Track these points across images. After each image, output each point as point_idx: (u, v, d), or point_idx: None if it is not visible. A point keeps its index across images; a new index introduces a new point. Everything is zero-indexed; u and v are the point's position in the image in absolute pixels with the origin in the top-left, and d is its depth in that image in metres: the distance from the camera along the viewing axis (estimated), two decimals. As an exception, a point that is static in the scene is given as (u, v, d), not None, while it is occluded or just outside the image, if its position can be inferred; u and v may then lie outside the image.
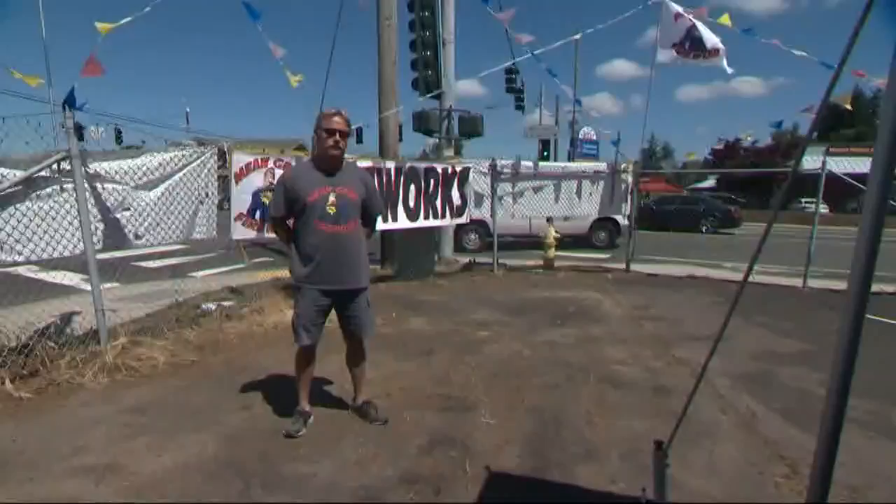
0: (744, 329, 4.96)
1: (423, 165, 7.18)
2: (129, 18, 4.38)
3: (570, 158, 23.92)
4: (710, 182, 40.15)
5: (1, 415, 3.02)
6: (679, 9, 7.41)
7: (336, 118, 2.71)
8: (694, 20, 7.38)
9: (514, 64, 14.04)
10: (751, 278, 1.52)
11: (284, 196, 2.75)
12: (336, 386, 3.48)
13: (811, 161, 7.42)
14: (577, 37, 8.47)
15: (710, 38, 7.38)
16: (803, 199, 27.54)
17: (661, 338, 4.76)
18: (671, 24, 7.53)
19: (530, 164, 8.40)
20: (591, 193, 8.62)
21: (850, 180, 6.86)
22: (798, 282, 7.13)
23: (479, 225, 10.48)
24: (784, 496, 2.31)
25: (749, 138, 29.80)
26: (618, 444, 2.76)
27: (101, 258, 4.22)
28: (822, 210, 8.54)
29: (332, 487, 2.34)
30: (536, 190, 8.34)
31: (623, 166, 8.67)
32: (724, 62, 7.47)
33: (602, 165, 8.93)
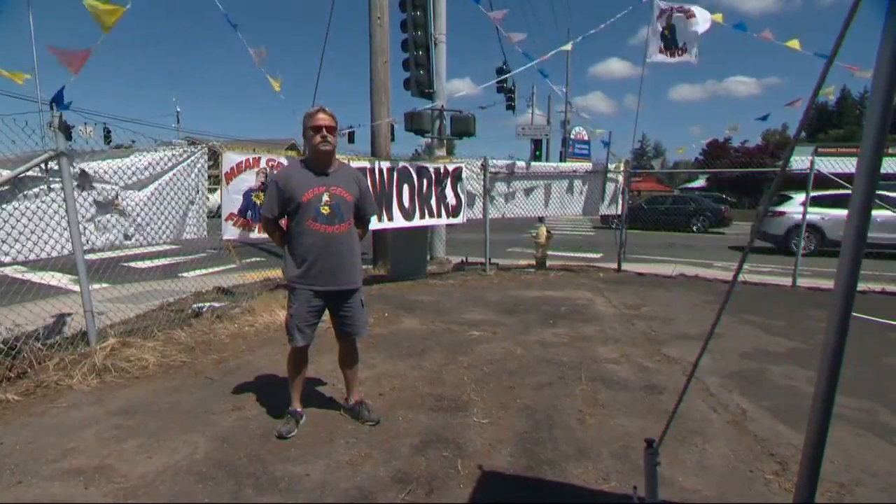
0: (734, 328, 5.00)
1: (415, 165, 7.17)
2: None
3: (562, 158, 24.03)
4: (700, 182, 40.48)
5: (-12, 417, 2.98)
6: (663, 5, 7.42)
7: (320, 114, 2.70)
8: (675, 17, 7.38)
9: (505, 64, 14.06)
10: (741, 277, 1.54)
11: (278, 196, 2.73)
12: (328, 386, 3.47)
13: (800, 161, 7.50)
14: (569, 47, 8.47)
15: (685, 34, 7.37)
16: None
17: (653, 337, 4.79)
18: (658, 23, 7.56)
19: (522, 164, 8.43)
20: (580, 193, 8.71)
21: (838, 180, 6.94)
22: (788, 281, 7.21)
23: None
24: (774, 493, 2.33)
25: (733, 132, 29.98)
26: (609, 442, 2.77)
27: (90, 258, 4.18)
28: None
29: (324, 488, 2.33)
30: (528, 190, 8.37)
31: (614, 166, 8.73)
32: (694, 52, 7.44)
33: (591, 166, 9.01)
